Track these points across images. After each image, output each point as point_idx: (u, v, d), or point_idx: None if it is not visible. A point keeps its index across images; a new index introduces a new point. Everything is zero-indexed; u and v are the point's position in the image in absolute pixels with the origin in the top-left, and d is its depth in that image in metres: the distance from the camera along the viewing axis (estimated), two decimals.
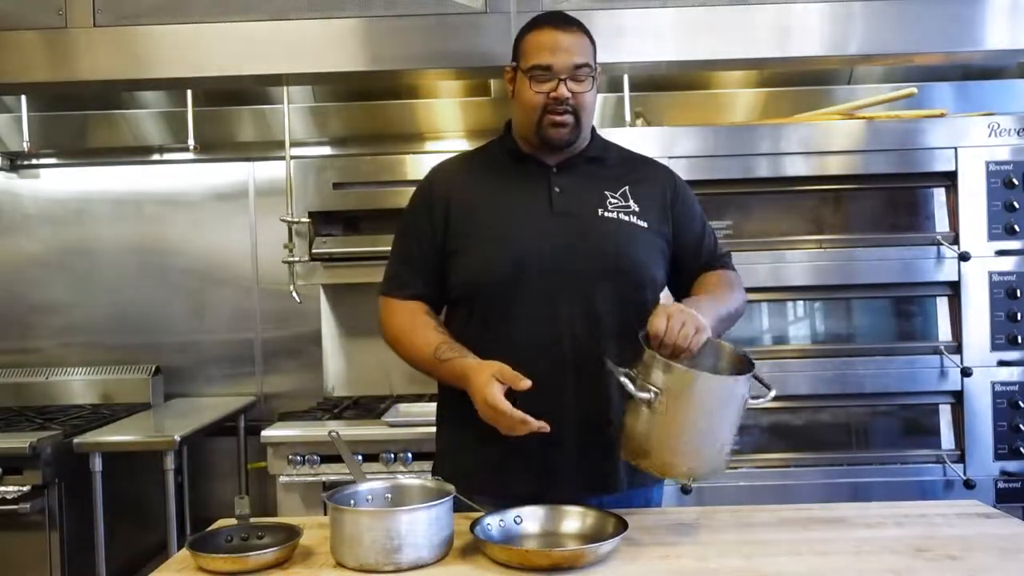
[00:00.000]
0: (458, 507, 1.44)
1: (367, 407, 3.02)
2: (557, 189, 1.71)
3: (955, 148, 2.48)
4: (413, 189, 1.82)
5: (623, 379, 1.44)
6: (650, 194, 1.75)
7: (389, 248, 1.81)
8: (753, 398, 1.47)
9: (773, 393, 1.49)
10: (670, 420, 1.40)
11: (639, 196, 1.73)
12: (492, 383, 1.51)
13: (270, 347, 3.48)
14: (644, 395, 1.41)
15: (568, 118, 1.66)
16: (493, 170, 1.77)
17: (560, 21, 1.71)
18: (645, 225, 1.71)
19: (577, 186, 1.72)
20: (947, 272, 2.49)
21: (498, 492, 1.60)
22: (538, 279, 1.65)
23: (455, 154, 1.91)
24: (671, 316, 1.48)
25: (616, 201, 1.71)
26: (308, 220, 3.04)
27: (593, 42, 1.72)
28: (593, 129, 1.79)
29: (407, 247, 1.77)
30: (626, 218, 1.70)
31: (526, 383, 1.51)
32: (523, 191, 1.72)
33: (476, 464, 1.68)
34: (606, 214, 1.69)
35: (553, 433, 1.58)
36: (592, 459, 1.65)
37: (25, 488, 2.59)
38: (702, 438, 1.40)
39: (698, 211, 1.82)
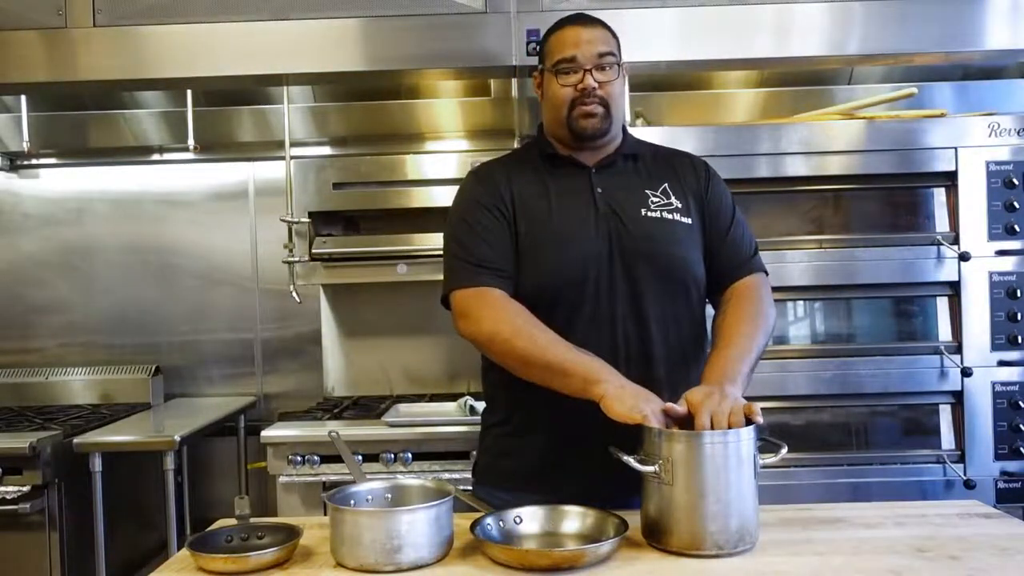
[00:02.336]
0: (458, 507, 1.44)
1: (367, 407, 3.02)
2: (600, 190, 1.70)
3: (955, 148, 2.48)
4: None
5: (625, 458, 1.41)
6: (687, 186, 1.75)
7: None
8: (764, 457, 1.44)
9: (784, 450, 1.46)
10: (681, 490, 1.37)
11: (678, 191, 1.73)
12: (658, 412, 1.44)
13: (270, 347, 3.49)
14: (650, 468, 1.39)
15: (597, 108, 1.67)
16: (535, 173, 1.75)
17: (581, 19, 1.73)
18: (689, 221, 1.71)
19: (617, 186, 1.72)
20: (947, 272, 2.48)
21: (546, 492, 1.56)
22: (597, 281, 1.64)
23: (490, 159, 1.86)
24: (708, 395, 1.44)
25: (658, 199, 1.71)
26: (308, 220, 3.03)
27: (616, 37, 1.73)
28: (624, 127, 1.79)
29: (486, 238, 1.67)
30: (670, 216, 1.69)
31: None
32: (568, 193, 1.71)
33: (524, 466, 1.69)
34: (650, 214, 1.69)
35: (605, 434, 1.58)
36: None
37: (25, 488, 2.59)
38: (719, 504, 1.37)
39: (729, 201, 1.79)
